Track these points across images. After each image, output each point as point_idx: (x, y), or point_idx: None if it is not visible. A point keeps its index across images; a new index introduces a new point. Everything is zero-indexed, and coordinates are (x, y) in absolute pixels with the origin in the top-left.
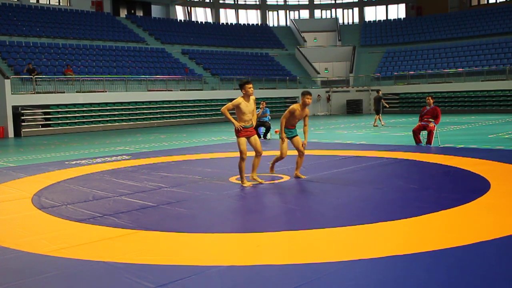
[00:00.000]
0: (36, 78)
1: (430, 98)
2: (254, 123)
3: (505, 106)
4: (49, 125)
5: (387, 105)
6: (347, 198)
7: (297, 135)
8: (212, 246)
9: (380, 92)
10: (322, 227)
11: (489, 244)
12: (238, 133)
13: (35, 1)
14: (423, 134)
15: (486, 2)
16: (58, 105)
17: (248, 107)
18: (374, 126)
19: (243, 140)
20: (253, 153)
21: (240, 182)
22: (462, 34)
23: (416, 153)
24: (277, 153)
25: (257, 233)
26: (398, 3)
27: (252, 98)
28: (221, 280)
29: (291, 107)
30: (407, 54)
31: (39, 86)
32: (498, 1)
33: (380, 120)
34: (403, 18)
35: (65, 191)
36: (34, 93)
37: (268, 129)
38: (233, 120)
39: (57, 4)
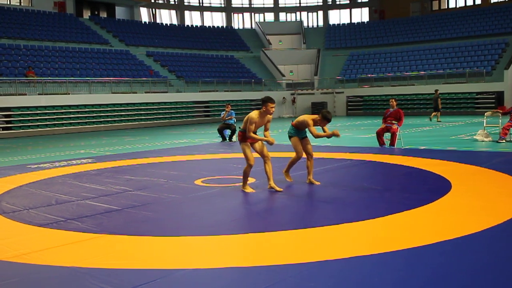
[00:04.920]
0: None
1: (393, 100)
2: (269, 138)
3: (465, 108)
4: (10, 128)
5: (440, 106)
6: (312, 199)
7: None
8: (177, 249)
9: (438, 91)
10: (287, 229)
11: (452, 243)
12: (243, 138)
13: None
14: (387, 136)
15: (446, 7)
16: (19, 108)
17: (261, 123)
18: (437, 121)
19: (247, 146)
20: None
21: (244, 189)
22: (424, 38)
23: (379, 154)
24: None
25: (223, 235)
26: (361, 7)
27: (269, 117)
28: (186, 283)
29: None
30: (371, 57)
31: (0, 88)
32: (458, 6)
33: (437, 117)
34: (367, 22)
35: (26, 195)
36: None
37: (233, 132)
38: (263, 138)
39: (18, 4)
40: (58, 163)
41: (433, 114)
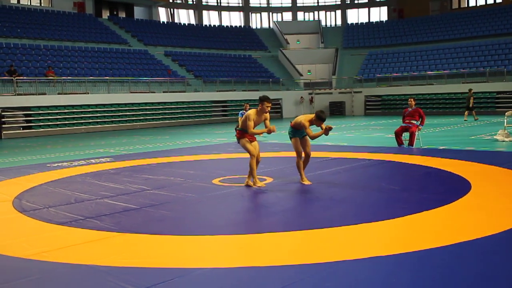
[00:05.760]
0: (17, 79)
1: (412, 100)
2: (269, 127)
3: (485, 108)
4: (30, 127)
5: (471, 105)
6: (330, 199)
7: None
8: (195, 248)
9: (472, 91)
10: (305, 229)
11: (471, 244)
12: (241, 136)
13: (16, 2)
14: (405, 135)
15: (466, 5)
16: (39, 107)
17: (259, 120)
18: (464, 120)
19: (247, 141)
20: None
21: (252, 183)
22: (443, 37)
23: (398, 154)
24: (263, 154)
25: (241, 235)
26: (380, 6)
27: (266, 115)
28: (204, 282)
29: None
30: (389, 56)
31: (20, 87)
32: (478, 5)
33: (470, 116)
34: (385, 21)
35: (46, 193)
36: (15, 95)
37: None
38: (262, 130)
39: (38, 5)
40: (77, 162)
41: (473, 113)
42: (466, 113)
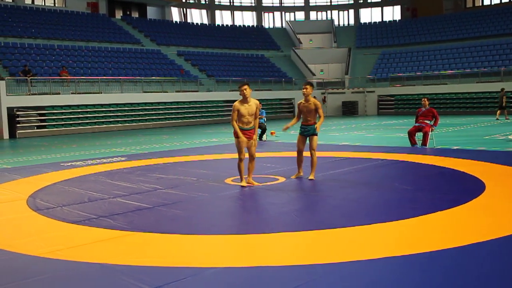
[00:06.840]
0: (31, 79)
1: (425, 99)
2: (256, 126)
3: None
4: (44, 127)
5: (505, 103)
6: (343, 199)
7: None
8: (208, 248)
9: (504, 90)
10: (317, 229)
11: (485, 245)
12: (236, 135)
13: (30, 2)
14: (419, 135)
15: (481, 4)
16: (53, 107)
17: (247, 109)
18: (506, 119)
19: (240, 141)
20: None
21: (239, 183)
22: (457, 36)
23: (411, 154)
24: (275, 154)
25: (253, 234)
26: (393, 5)
27: (254, 101)
28: (216, 282)
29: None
30: (403, 55)
31: (34, 87)
32: (493, 3)
33: (502, 115)
34: (398, 20)
35: (60, 192)
36: (29, 95)
37: (264, 131)
38: (238, 132)
39: (52, 5)
40: (90, 161)
41: (498, 112)
42: (498, 112)
